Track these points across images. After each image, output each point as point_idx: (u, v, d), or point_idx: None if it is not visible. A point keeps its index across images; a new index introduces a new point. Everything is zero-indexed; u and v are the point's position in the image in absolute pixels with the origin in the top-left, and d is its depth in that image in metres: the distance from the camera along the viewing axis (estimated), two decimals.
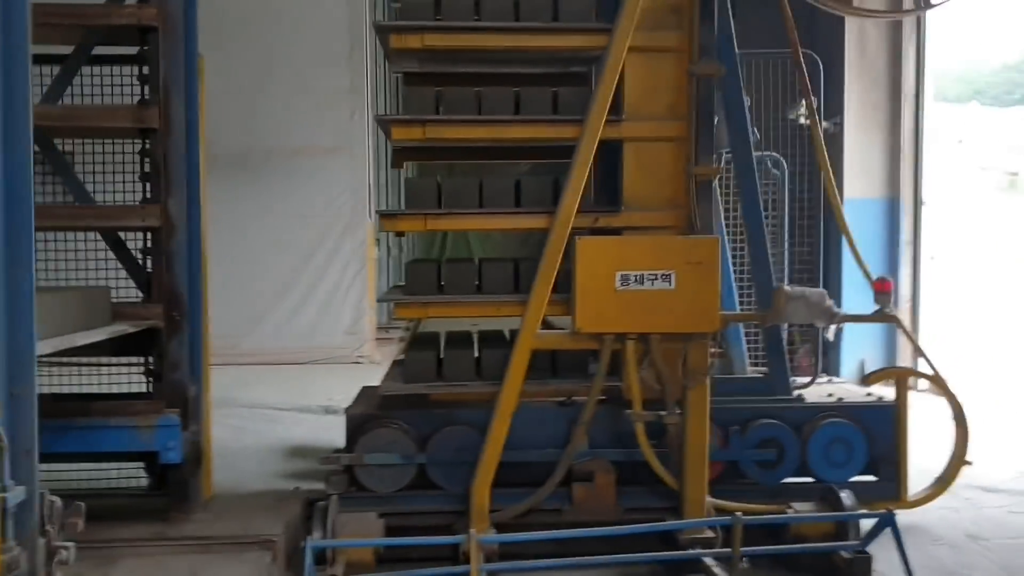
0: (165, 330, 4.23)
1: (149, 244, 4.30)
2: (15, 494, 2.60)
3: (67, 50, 4.40)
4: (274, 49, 10.07)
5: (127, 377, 4.73)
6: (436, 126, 4.34)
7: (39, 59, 4.98)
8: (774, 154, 7.47)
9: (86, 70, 4.56)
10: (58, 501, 2.82)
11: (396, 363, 5.02)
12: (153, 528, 4.18)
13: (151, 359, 4.34)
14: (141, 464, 4.61)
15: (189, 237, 4.30)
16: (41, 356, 3.12)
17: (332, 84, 10.13)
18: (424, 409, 4.48)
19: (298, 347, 10.03)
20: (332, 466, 4.34)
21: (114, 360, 4.75)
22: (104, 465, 4.69)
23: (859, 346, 8.67)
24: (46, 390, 4.97)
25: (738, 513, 3.83)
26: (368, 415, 4.45)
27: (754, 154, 4.88)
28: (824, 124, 6.92)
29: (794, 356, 7.12)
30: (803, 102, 5.17)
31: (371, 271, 10.40)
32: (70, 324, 3.65)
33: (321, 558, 3.76)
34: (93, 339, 3.57)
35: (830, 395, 5.00)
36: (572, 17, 4.34)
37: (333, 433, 6.45)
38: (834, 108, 8.83)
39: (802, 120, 7.77)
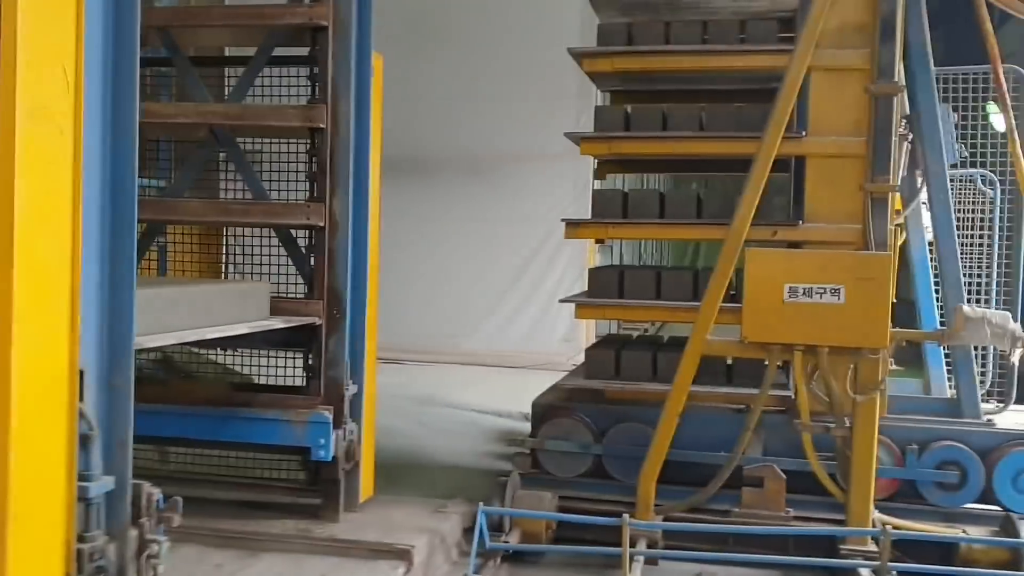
0: (324, 327, 4.25)
1: (313, 242, 4.33)
2: (102, 483, 2.62)
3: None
4: (504, 54, 10.14)
5: (295, 372, 4.81)
6: (620, 142, 4.87)
7: (225, 61, 5.26)
8: (987, 172, 6.50)
9: (274, 72, 4.70)
10: (157, 493, 2.82)
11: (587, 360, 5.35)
12: (302, 525, 4.21)
13: (311, 355, 4.37)
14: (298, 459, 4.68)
15: (354, 236, 4.29)
16: (183, 344, 3.17)
17: (560, 89, 10.02)
18: (604, 404, 4.87)
19: (514, 351, 10.03)
20: (518, 448, 4.96)
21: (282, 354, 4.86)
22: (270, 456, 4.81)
23: None
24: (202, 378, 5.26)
25: (888, 527, 3.86)
26: (552, 405, 4.93)
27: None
28: None
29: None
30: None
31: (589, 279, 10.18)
32: (225, 316, 3.73)
33: (500, 528, 4.26)
34: (227, 333, 3.61)
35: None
36: (757, 38, 4.74)
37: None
38: None
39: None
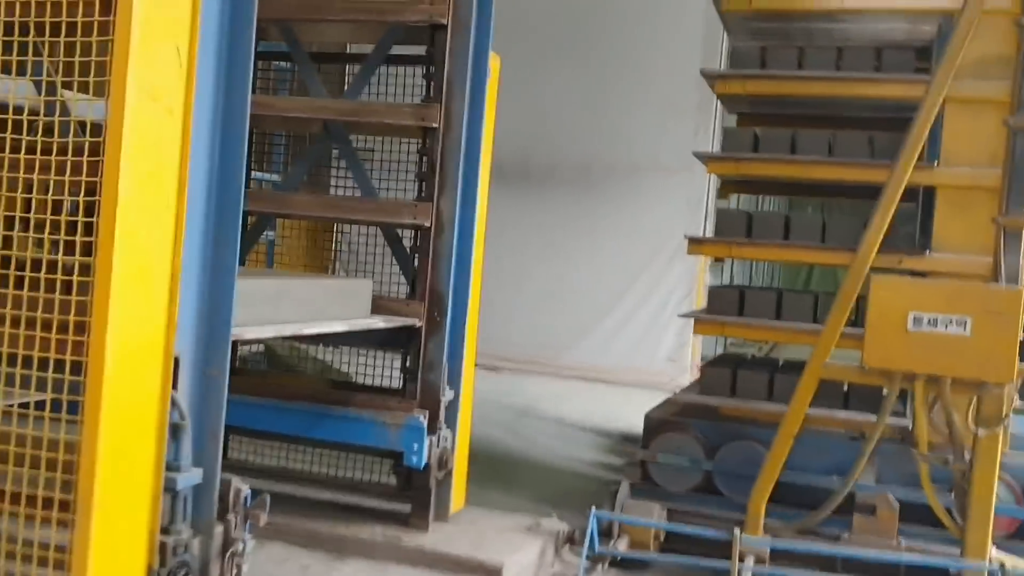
0: (424, 329, 4.15)
1: (418, 242, 4.24)
2: (190, 476, 2.56)
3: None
4: (623, 63, 9.94)
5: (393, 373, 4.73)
6: (749, 163, 4.89)
7: (344, 58, 5.24)
8: None
9: (390, 71, 4.65)
10: (245, 489, 2.75)
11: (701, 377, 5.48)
12: (390, 532, 4.11)
13: (408, 357, 4.27)
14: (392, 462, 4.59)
15: (460, 238, 4.18)
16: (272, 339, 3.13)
17: (678, 102, 9.76)
18: (717, 421, 4.90)
19: (617, 367, 9.78)
20: (629, 458, 5.01)
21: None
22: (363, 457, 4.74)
23: None
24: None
25: (1006, 565, 3.83)
26: (665, 419, 4.97)
27: None
28: None
29: None
30: None
31: (700, 297, 9.86)
32: (326, 312, 3.68)
33: (608, 535, 4.33)
34: (325, 329, 3.54)
35: None
36: (893, 67, 4.68)
37: (618, 463, 6.09)
38: None
39: None
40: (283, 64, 5.12)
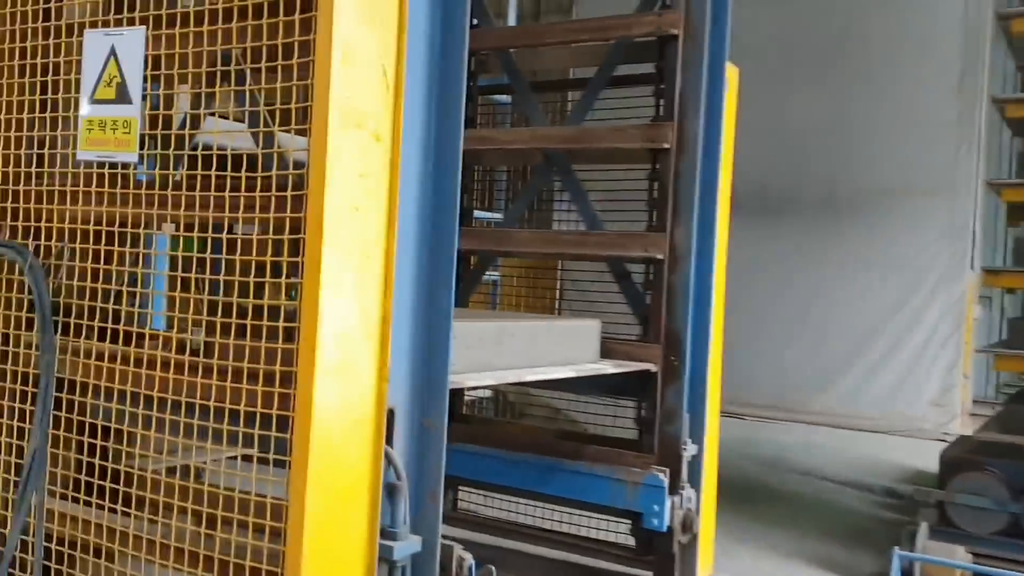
0: (660, 374, 3.73)
1: (651, 277, 3.84)
2: (408, 543, 2.28)
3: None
4: (870, 78, 9.08)
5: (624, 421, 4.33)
6: None
7: (563, 85, 4.96)
8: None
9: (612, 94, 4.32)
10: (469, 558, 2.45)
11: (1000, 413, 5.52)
12: None
13: (643, 406, 3.86)
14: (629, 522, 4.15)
15: (698, 272, 3.75)
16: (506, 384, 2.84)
17: (935, 117, 8.77)
18: (1022, 461, 4.70)
19: (873, 413, 8.82)
20: (924, 499, 4.76)
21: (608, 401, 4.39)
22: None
23: None
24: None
25: None
26: (963, 459, 4.82)
27: None
28: None
29: None
30: None
31: (968, 333, 8.73)
32: (551, 356, 3.36)
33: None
34: (550, 375, 3.20)
35: None
36: None
37: (886, 525, 5.34)
38: None
39: None
40: (500, 98, 4.94)
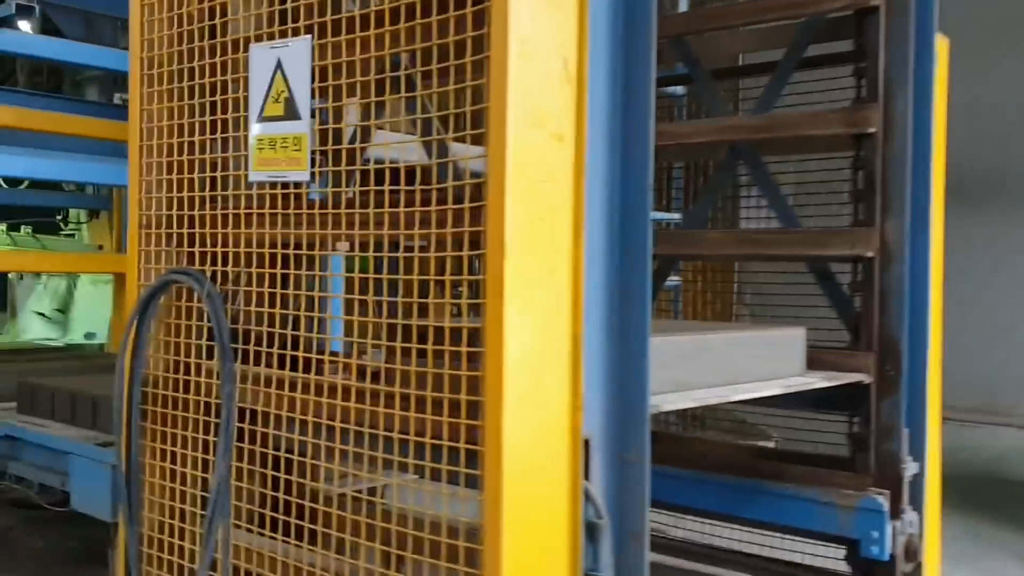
0: (874, 387, 3.33)
1: (859, 277, 3.45)
2: None
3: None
4: None
5: (830, 436, 3.92)
6: None
7: (740, 71, 4.58)
8: None
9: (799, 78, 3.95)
10: None
11: None
12: None
13: (855, 421, 3.47)
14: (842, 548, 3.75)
15: (912, 270, 3.33)
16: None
17: None
18: None
19: None
20: None
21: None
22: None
23: None
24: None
25: None
26: None
27: None
28: None
29: None
30: None
31: None
32: (750, 370, 3.04)
33: None
34: (757, 393, 2.87)
35: None
36: None
37: None
38: None
39: None
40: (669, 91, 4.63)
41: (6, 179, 7.98)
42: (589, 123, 2.00)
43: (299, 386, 2.20)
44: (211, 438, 2.34)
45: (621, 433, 2.13)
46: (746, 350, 3.05)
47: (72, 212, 10.63)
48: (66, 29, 6.63)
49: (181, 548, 2.41)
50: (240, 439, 2.28)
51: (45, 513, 4.53)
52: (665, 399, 2.41)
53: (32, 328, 9.68)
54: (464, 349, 1.86)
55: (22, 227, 10.36)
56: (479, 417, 1.84)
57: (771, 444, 4.78)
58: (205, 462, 2.38)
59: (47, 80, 9.69)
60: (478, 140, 1.91)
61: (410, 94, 2.03)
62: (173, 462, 2.46)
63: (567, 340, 1.94)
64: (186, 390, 2.45)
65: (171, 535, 2.46)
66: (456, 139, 1.94)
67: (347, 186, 2.21)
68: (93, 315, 9.58)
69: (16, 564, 4.61)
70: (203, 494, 2.39)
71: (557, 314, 1.92)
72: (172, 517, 2.46)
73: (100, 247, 9.01)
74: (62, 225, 10.81)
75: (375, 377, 2.04)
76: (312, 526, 2.14)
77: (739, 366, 2.97)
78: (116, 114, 5.36)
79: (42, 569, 4.56)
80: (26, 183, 8.41)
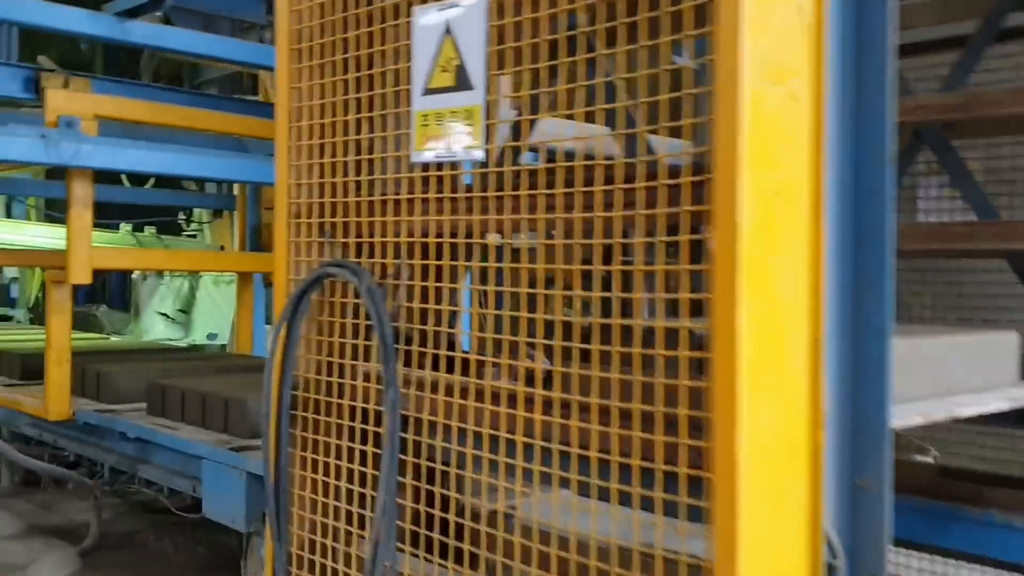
0: None
1: None
2: None
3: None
4: None
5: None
6: None
7: (929, 46, 4.13)
8: None
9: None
10: None
11: None
12: None
13: None
14: None
15: None
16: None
17: None
18: None
19: None
20: None
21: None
22: None
23: None
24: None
25: None
26: None
27: None
28: None
29: None
30: None
31: None
32: (965, 380, 2.64)
33: None
34: (983, 409, 2.47)
35: None
36: None
37: None
38: None
39: None
40: None
41: (131, 178, 8.04)
42: (828, 83, 1.66)
43: (471, 393, 1.92)
44: (371, 448, 2.09)
45: (855, 455, 1.78)
46: (956, 356, 2.65)
47: (195, 213, 10.77)
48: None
49: (335, 571, 2.17)
50: (403, 451, 2.02)
51: (172, 517, 4.43)
52: (898, 413, 2.04)
53: (155, 328, 9.81)
54: (685, 354, 1.55)
55: (146, 228, 10.53)
56: (704, 437, 1.52)
57: (929, 459, 4.31)
58: (362, 475, 2.13)
59: (169, 83, 9.81)
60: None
61: (611, 50, 1.73)
62: (325, 473, 2.22)
63: (806, 343, 1.61)
64: (339, 395, 2.21)
65: (323, 555, 2.22)
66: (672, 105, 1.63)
67: (515, 165, 1.92)
68: (215, 316, 9.64)
69: (144, 568, 4.52)
70: (359, 511, 2.14)
71: (796, 312, 1.59)
72: (324, 535, 2.22)
73: (221, 247, 9.04)
74: (184, 226, 10.96)
75: (567, 386, 1.74)
76: (491, 555, 1.86)
77: (952, 375, 2.57)
78: (244, 110, 5.26)
79: (170, 574, 4.45)
80: (151, 182, 8.48)
